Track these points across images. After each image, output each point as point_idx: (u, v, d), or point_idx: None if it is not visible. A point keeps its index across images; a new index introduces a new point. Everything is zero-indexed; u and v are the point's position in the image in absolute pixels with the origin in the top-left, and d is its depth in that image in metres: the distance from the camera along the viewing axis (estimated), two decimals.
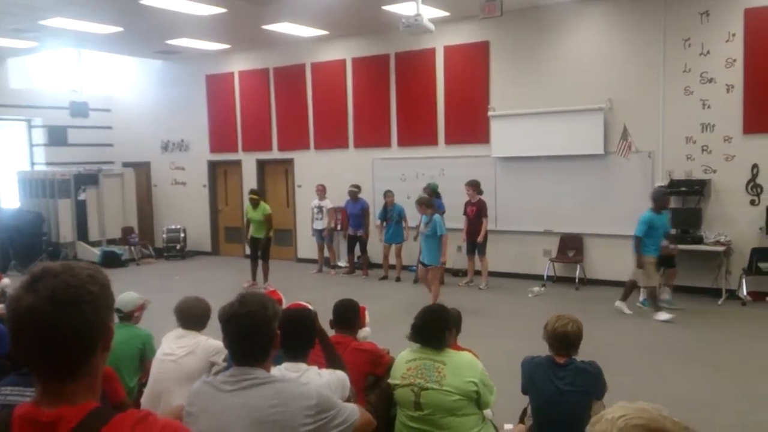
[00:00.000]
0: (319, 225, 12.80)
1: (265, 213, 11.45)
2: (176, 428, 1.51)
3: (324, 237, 12.83)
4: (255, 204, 11.49)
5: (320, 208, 12.76)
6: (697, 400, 5.84)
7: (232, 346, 2.51)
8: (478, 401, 3.69)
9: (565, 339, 3.83)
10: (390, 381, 3.85)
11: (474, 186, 10.91)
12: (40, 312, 1.34)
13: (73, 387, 1.39)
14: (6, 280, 5.62)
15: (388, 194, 11.81)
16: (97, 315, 1.40)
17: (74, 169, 14.81)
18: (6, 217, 13.97)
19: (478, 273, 11.12)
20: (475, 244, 10.91)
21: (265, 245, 11.49)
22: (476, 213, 10.88)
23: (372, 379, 4.01)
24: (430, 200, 9.82)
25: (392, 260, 11.92)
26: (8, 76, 15.01)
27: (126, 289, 5.01)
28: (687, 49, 9.90)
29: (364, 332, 4.40)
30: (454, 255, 11.77)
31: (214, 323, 4.57)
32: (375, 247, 12.40)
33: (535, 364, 3.94)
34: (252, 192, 11.83)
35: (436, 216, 9.34)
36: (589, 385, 3.80)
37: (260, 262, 11.53)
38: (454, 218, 11.29)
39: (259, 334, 2.46)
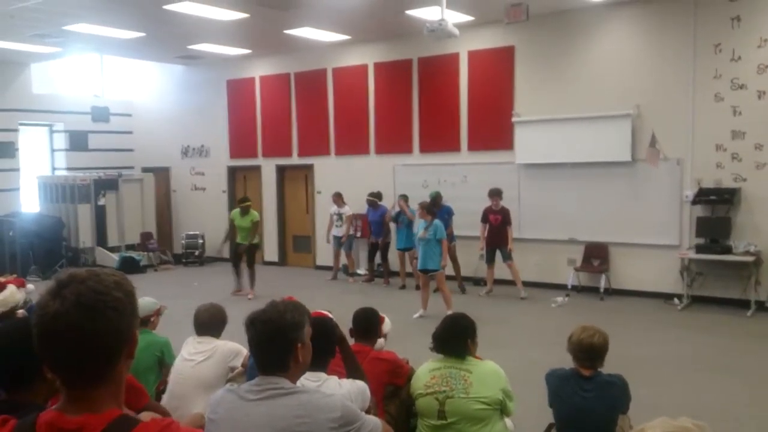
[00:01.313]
0: (339, 232, 12.66)
1: (253, 220, 11.35)
2: None
3: (342, 244, 12.68)
4: (246, 211, 11.34)
5: (340, 215, 12.62)
6: (722, 412, 5.70)
7: (257, 352, 2.52)
8: (501, 410, 3.66)
9: (591, 351, 3.73)
10: (412, 391, 3.79)
11: (499, 194, 10.74)
12: (67, 318, 1.35)
13: (98, 394, 1.41)
14: (30, 286, 5.58)
15: (401, 198, 11.67)
16: (122, 321, 1.41)
17: (94, 174, 14.83)
18: (26, 222, 14.01)
19: (497, 282, 10.95)
20: (502, 251, 10.69)
21: (252, 252, 11.41)
22: (501, 221, 10.69)
23: (391, 389, 3.96)
24: (431, 205, 9.72)
25: (408, 268, 11.74)
26: (31, 81, 15.12)
27: (144, 295, 4.92)
28: (717, 55, 9.67)
29: (378, 343, 4.29)
30: (475, 264, 11.58)
31: (230, 328, 4.55)
32: (392, 255, 12.23)
33: (559, 377, 3.86)
34: (243, 200, 11.61)
35: (437, 221, 9.37)
36: (616, 399, 3.73)
37: (247, 269, 11.43)
38: (471, 226, 11.15)
39: (275, 342, 2.44)
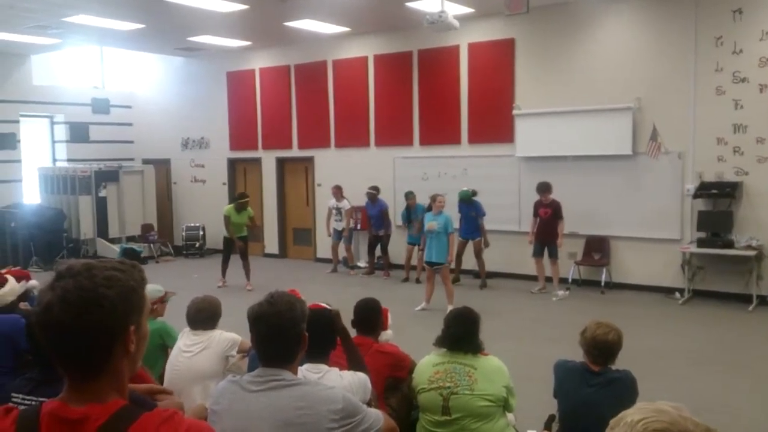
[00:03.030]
0: (339, 225, 12.63)
1: (250, 216, 11.39)
2: (201, 429, 1.51)
3: (343, 237, 12.65)
4: (243, 207, 11.31)
5: (339, 210, 12.59)
6: (722, 406, 5.70)
7: (259, 347, 2.50)
8: (504, 406, 3.66)
9: (605, 348, 3.67)
10: (414, 385, 3.76)
11: (548, 189, 10.41)
12: (53, 311, 1.35)
13: (99, 386, 1.40)
14: (33, 282, 5.56)
15: (410, 196, 11.62)
16: (110, 318, 1.38)
17: (95, 165, 14.83)
18: (27, 214, 14.01)
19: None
20: (549, 245, 10.39)
21: (245, 245, 11.42)
22: (551, 214, 10.39)
23: (392, 381, 3.94)
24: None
25: (414, 261, 11.73)
26: (31, 72, 15.08)
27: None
28: (719, 48, 9.64)
29: (386, 335, 4.30)
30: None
31: (229, 320, 4.55)
32: (396, 248, 12.23)
33: (568, 369, 3.82)
34: (243, 196, 11.55)
35: (447, 214, 9.32)
36: (623, 396, 3.66)
37: (242, 262, 11.39)
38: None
39: (286, 335, 2.44)
